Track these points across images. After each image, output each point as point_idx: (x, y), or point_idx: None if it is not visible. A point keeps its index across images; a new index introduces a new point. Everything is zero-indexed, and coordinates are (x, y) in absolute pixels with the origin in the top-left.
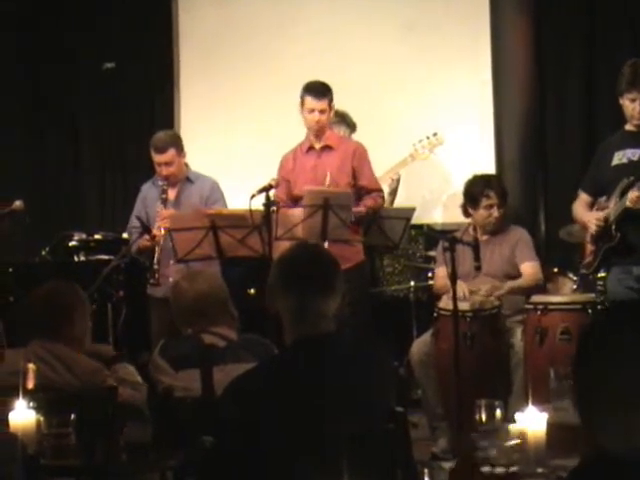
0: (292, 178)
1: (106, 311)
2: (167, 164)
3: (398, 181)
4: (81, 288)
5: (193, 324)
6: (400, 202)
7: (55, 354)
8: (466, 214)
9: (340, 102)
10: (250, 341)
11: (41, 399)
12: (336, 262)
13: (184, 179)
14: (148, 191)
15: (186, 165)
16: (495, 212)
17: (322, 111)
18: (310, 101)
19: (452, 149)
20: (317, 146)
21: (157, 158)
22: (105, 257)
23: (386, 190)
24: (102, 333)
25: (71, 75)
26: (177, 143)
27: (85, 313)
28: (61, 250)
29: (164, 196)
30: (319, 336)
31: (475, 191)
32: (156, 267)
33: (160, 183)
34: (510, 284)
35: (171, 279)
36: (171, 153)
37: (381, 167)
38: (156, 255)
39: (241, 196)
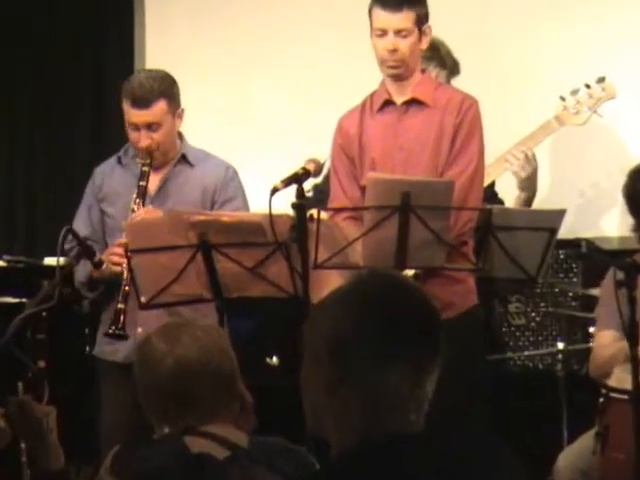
0: (358, 155)
1: (16, 395)
2: (151, 127)
3: (533, 161)
4: None
5: (172, 417)
6: (536, 202)
7: None
8: None
9: (433, 28)
10: (270, 448)
11: None
12: (438, 311)
13: (176, 158)
14: (110, 174)
15: (180, 136)
16: None
17: (401, 32)
18: (380, 16)
19: (631, 111)
20: (398, 100)
21: (135, 116)
22: (13, 300)
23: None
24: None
25: None
26: (170, 92)
27: None
28: None
29: (143, 183)
30: (409, 437)
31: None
32: (121, 306)
33: (139, 160)
34: None
35: (140, 330)
36: (160, 107)
37: (503, 140)
38: (123, 286)
39: (255, 191)
